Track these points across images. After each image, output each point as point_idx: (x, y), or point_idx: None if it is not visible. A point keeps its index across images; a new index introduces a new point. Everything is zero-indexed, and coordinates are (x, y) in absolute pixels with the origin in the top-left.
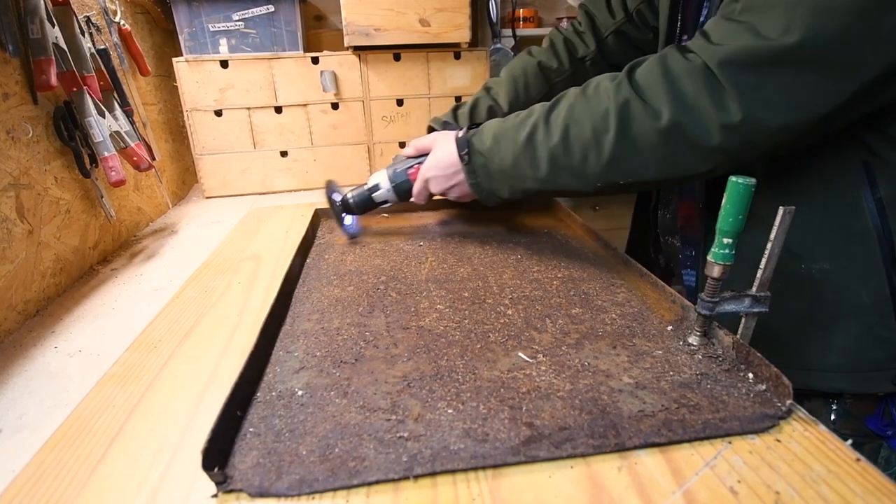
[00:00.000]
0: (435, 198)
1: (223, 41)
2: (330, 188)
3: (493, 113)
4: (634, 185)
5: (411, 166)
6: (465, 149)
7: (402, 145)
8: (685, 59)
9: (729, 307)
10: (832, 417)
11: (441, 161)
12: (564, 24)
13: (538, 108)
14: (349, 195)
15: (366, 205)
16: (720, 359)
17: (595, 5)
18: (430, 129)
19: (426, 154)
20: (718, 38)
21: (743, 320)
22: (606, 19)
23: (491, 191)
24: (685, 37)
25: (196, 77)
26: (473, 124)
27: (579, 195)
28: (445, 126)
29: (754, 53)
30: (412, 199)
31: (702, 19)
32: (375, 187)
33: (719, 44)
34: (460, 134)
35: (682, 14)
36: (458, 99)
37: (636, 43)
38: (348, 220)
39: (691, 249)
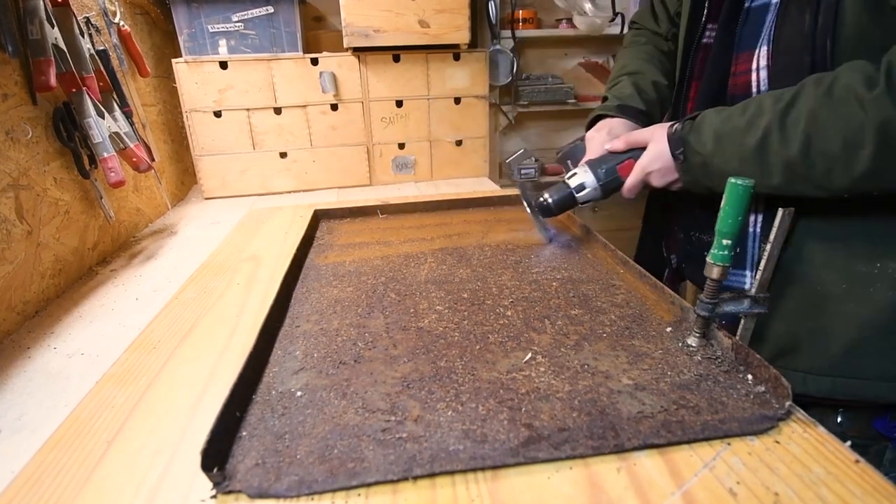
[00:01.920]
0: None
1: (222, 42)
2: (523, 190)
3: (657, 87)
4: (886, 193)
5: (620, 162)
6: (680, 147)
7: (402, 146)
8: None
9: (728, 308)
10: (839, 419)
11: (665, 153)
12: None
13: (768, 105)
14: (548, 197)
15: (567, 205)
16: (719, 360)
17: (643, 19)
18: (595, 119)
19: (637, 149)
20: None
21: (742, 321)
22: (656, 29)
23: (708, 187)
24: (711, 25)
25: (195, 78)
26: (689, 117)
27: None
28: (622, 110)
29: None
30: (623, 194)
31: (748, 4)
32: (580, 186)
33: None
34: (672, 130)
35: (708, 2)
36: (457, 101)
37: None
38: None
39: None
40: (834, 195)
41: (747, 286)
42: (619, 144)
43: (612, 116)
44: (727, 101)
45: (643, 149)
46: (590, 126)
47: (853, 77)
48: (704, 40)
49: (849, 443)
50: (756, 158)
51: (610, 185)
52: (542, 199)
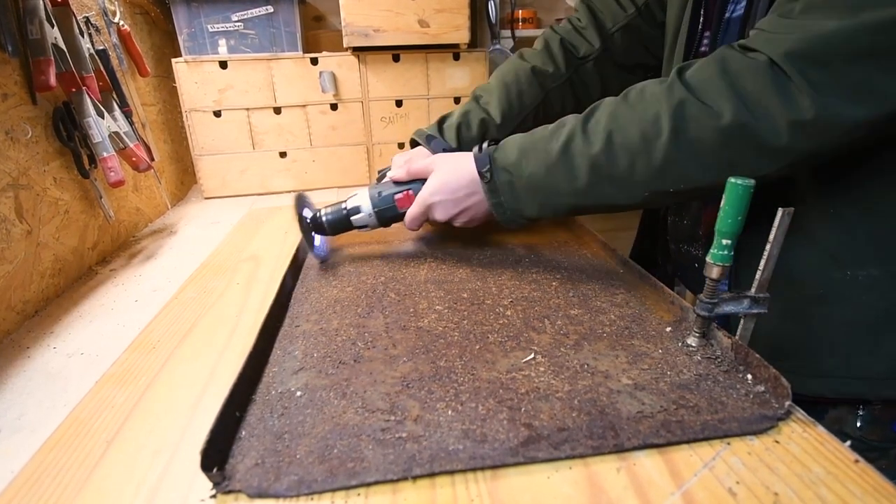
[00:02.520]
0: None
1: (222, 42)
2: (300, 202)
3: (485, 126)
4: (687, 192)
5: (399, 192)
6: (487, 165)
7: (402, 146)
8: (745, 57)
9: (728, 308)
10: (858, 424)
11: (448, 184)
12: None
13: (570, 120)
14: (323, 214)
15: (341, 227)
16: (719, 360)
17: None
18: (413, 143)
19: (418, 180)
20: (781, 31)
21: (742, 321)
22: (616, 12)
23: (516, 210)
24: (707, 33)
25: (195, 78)
26: (493, 140)
27: (620, 209)
28: (430, 140)
29: (826, 41)
30: (406, 226)
31: (728, 15)
32: (356, 209)
33: (782, 35)
34: (478, 150)
35: (704, 8)
36: (457, 101)
37: (644, 39)
38: (317, 240)
39: None
40: (635, 197)
41: None
42: (400, 174)
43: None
44: None
45: (424, 180)
46: (412, 146)
47: (645, 83)
48: (703, 49)
49: (848, 443)
50: (561, 162)
51: (386, 215)
52: (318, 214)
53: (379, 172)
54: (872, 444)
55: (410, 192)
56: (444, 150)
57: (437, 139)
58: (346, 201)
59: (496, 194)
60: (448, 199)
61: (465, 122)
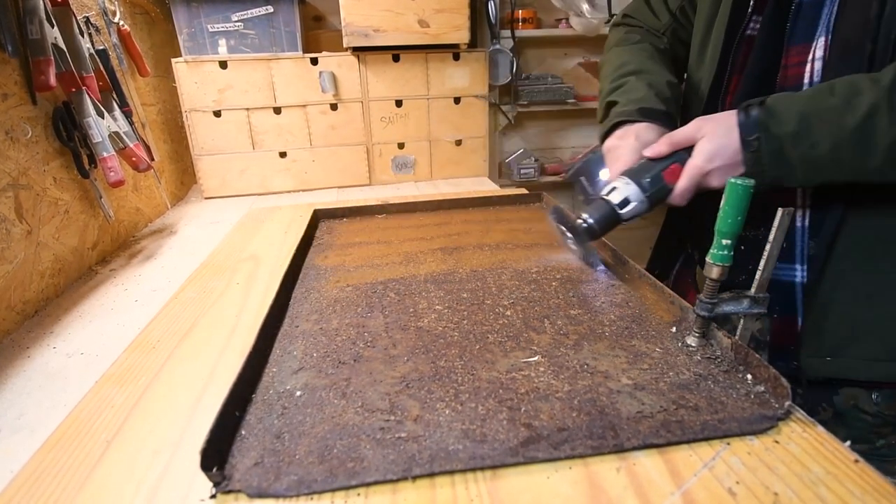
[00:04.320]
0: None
1: (222, 42)
2: (557, 215)
3: (672, 88)
4: None
5: (665, 167)
6: (755, 133)
7: (401, 146)
8: None
9: (728, 308)
10: (875, 398)
11: (728, 147)
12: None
13: (866, 87)
14: (588, 219)
15: (610, 225)
16: (719, 360)
17: (638, 13)
18: (614, 127)
19: (681, 150)
20: None
21: (741, 321)
22: (654, 24)
23: (775, 178)
24: (755, 17)
25: (195, 78)
26: (750, 103)
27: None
28: (645, 114)
29: None
30: (673, 202)
31: (825, 19)
32: (625, 201)
33: None
34: (744, 115)
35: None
36: (457, 101)
37: (685, 42)
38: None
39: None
40: None
41: (798, 279)
42: (661, 148)
43: (634, 122)
44: (775, 93)
45: (688, 150)
46: (605, 136)
47: None
48: (748, 32)
49: (848, 442)
50: (855, 139)
51: (657, 195)
52: (580, 221)
53: (571, 169)
54: (889, 418)
55: (677, 164)
56: (662, 114)
57: (651, 109)
58: (606, 197)
59: (758, 163)
60: (728, 163)
61: (656, 90)
